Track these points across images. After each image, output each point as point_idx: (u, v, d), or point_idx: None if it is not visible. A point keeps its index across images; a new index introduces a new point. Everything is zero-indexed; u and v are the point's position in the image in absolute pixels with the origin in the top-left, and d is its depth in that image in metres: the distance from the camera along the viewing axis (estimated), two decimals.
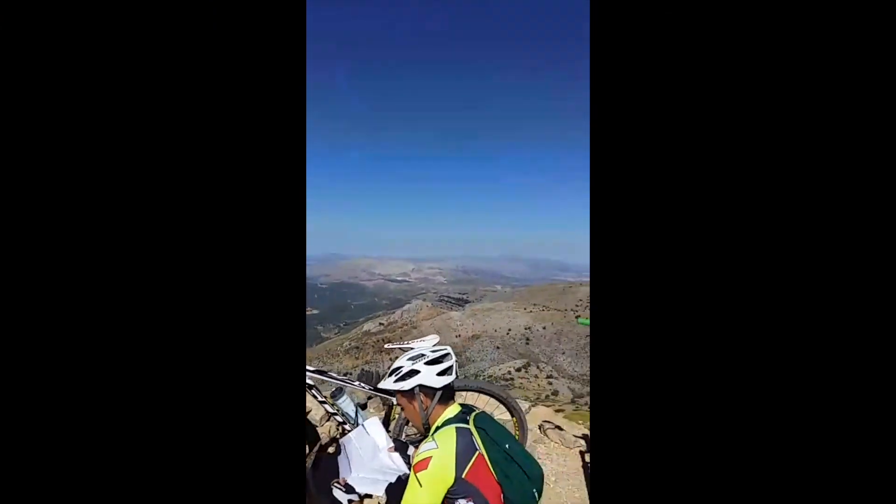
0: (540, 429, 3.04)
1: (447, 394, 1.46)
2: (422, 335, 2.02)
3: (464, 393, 2.43)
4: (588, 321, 2.38)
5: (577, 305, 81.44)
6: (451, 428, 1.34)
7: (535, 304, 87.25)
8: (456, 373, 1.49)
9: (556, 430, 2.99)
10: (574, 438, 2.90)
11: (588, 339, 2.34)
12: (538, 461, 2.60)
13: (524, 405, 3.57)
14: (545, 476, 2.45)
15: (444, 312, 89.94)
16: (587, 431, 3.29)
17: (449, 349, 1.53)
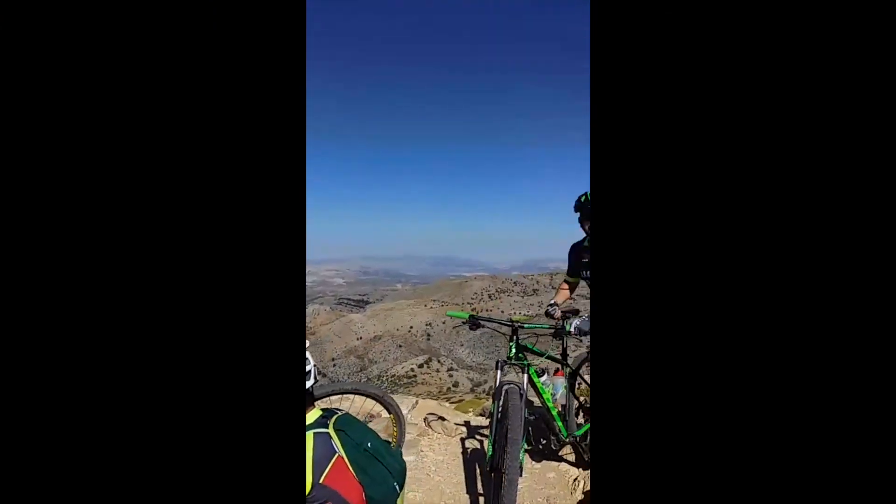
0: (425, 421, 3.11)
1: (306, 400, 1.41)
2: (319, 342, 1.92)
3: (351, 396, 2.38)
4: (454, 313, 2.49)
5: (473, 298, 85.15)
6: (308, 434, 1.30)
7: (434, 300, 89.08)
8: (315, 377, 1.44)
9: (440, 420, 3.09)
10: (455, 426, 3.03)
11: (466, 328, 2.46)
12: (420, 452, 2.66)
13: (411, 400, 3.62)
14: (426, 467, 2.52)
15: (343, 315, 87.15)
16: (470, 419, 3.46)
17: (307, 355, 1.47)
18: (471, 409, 5.29)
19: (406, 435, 2.73)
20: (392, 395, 2.74)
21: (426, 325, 77.72)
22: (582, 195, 2.33)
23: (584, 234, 2.42)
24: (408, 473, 2.37)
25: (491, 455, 1.94)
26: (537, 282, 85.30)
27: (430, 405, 3.58)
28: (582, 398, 2.68)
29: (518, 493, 2.12)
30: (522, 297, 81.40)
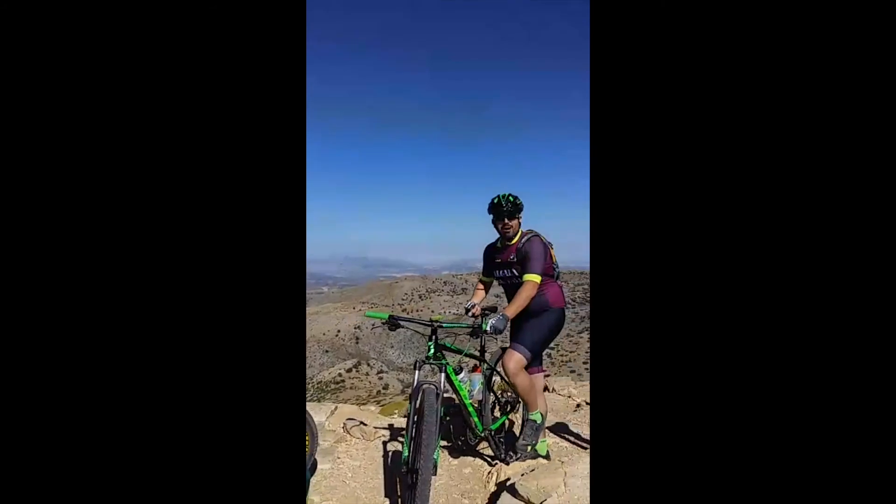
0: (343, 427, 3.02)
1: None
2: None
3: None
4: (373, 314, 2.45)
5: (403, 298, 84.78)
6: None
7: (363, 302, 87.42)
8: None
9: (360, 425, 3.02)
10: (375, 430, 2.98)
11: (384, 327, 2.42)
12: (337, 460, 2.58)
13: (330, 407, 3.50)
14: (342, 474, 2.44)
15: None
16: (394, 421, 3.42)
17: None
18: (396, 412, 5.22)
19: (322, 443, 2.62)
20: (305, 404, 2.61)
21: (355, 328, 75.93)
22: (495, 198, 2.40)
23: (498, 235, 2.50)
24: (323, 482, 2.29)
25: (407, 455, 1.93)
26: (466, 281, 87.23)
27: (350, 410, 3.49)
28: (498, 392, 2.77)
29: (435, 490, 2.13)
30: (452, 296, 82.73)
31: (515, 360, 2.31)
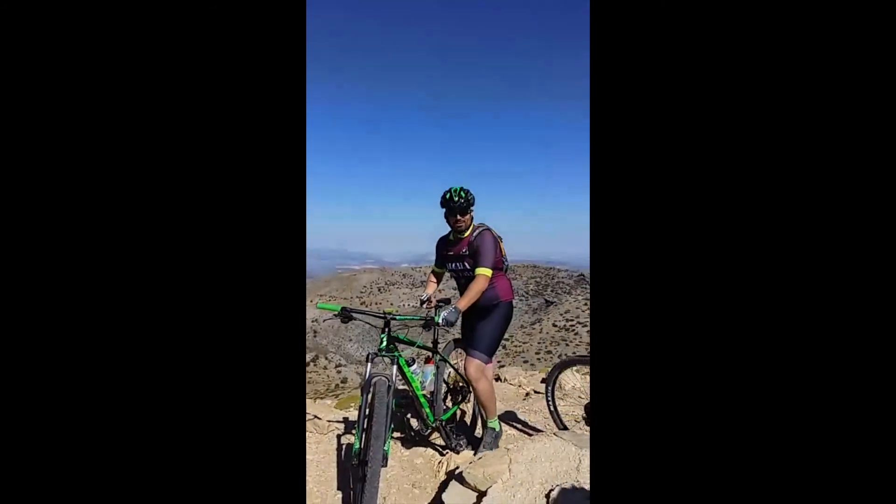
0: None
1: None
2: None
3: None
4: (325, 305, 2.43)
5: (362, 291, 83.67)
6: None
7: (321, 295, 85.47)
8: None
9: (313, 419, 3.00)
10: (329, 423, 2.97)
11: (337, 319, 2.41)
12: None
13: None
14: None
15: None
16: (349, 414, 3.41)
17: None
18: (352, 405, 5.21)
19: None
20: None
21: (312, 321, 74.18)
22: (447, 192, 2.45)
23: (450, 228, 2.56)
24: None
25: (358, 448, 1.95)
26: (424, 273, 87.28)
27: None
28: (451, 383, 2.84)
29: (386, 481, 2.17)
30: (411, 288, 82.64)
31: (475, 366, 2.39)
